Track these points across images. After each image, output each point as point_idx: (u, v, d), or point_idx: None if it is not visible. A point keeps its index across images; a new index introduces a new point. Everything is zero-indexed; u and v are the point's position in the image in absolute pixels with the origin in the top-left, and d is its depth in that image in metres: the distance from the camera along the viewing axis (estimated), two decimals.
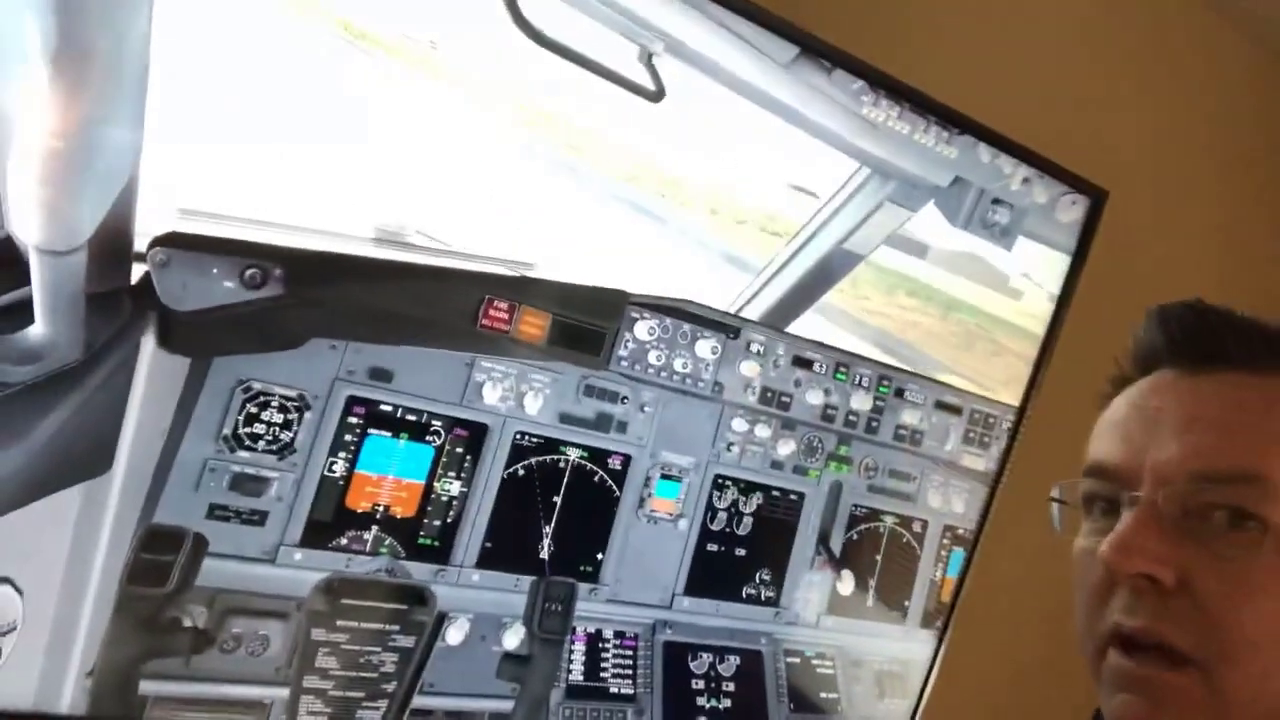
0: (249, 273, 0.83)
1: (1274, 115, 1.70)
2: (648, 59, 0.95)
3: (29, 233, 0.74)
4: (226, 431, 0.85)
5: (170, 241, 0.80)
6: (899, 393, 1.20)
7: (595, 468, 1.03)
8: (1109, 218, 1.25)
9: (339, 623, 0.92)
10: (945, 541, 1.28)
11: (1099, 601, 0.54)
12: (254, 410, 0.86)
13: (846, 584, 1.21)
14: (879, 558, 1.23)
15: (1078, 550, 0.58)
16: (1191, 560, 0.50)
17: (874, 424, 1.19)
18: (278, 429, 0.87)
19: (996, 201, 1.18)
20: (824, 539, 1.19)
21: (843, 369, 1.15)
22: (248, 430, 0.86)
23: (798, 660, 1.19)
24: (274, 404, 0.87)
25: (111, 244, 0.77)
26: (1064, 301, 1.25)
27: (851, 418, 1.17)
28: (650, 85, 0.96)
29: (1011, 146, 1.16)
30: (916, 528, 1.26)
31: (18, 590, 0.79)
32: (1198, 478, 0.51)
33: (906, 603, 1.27)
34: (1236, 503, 0.50)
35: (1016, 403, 1.27)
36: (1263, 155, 1.70)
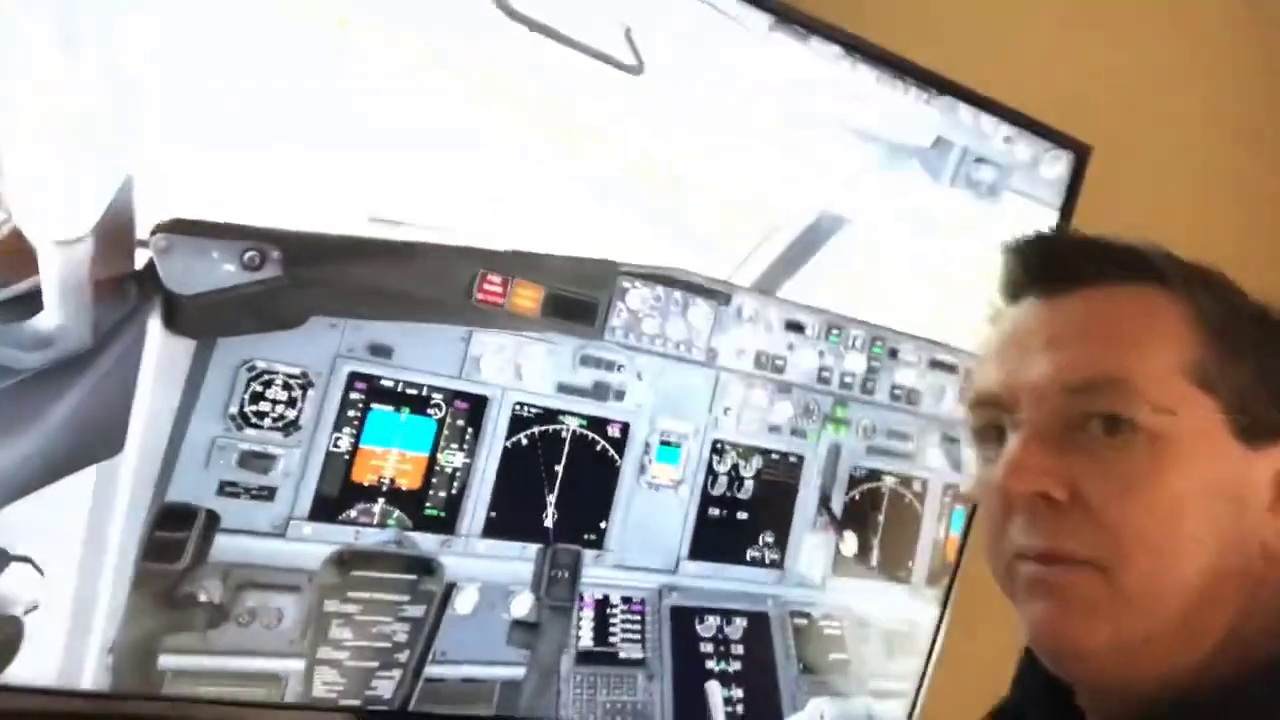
0: (248, 255, 0.86)
1: (1255, 63, 1.71)
2: (626, 32, 0.97)
3: (35, 223, 0.77)
4: (233, 410, 0.88)
5: (171, 228, 0.83)
6: (893, 353, 1.21)
7: (595, 436, 1.05)
8: (1093, 172, 1.26)
9: (350, 594, 0.94)
10: (946, 500, 1.29)
11: (1001, 525, 0.56)
12: (259, 389, 0.88)
13: (849, 545, 1.23)
14: (881, 518, 1.25)
15: (978, 482, 0.60)
16: (1078, 471, 0.53)
17: (869, 385, 1.21)
18: (283, 406, 0.90)
19: (980, 160, 1.20)
20: (825, 501, 1.21)
21: (835, 331, 1.17)
22: (253, 409, 0.88)
23: (805, 621, 1.21)
24: (278, 382, 0.89)
25: (115, 232, 0.80)
26: None
27: (847, 379, 1.19)
28: (630, 59, 0.98)
29: (990, 105, 1.18)
30: (917, 487, 1.27)
31: (38, 570, 0.81)
32: (1069, 390, 0.54)
33: (911, 562, 1.28)
34: (1106, 409, 0.52)
35: None
36: (1244, 102, 1.71)
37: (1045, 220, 1.25)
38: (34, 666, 0.82)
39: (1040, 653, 0.56)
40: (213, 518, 0.88)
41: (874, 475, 1.24)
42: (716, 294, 1.09)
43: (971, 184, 1.19)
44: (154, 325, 0.84)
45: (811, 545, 1.21)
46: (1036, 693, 0.65)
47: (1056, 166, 1.25)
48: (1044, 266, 0.60)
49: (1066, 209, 1.26)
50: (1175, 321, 0.55)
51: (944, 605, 1.31)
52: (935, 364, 1.25)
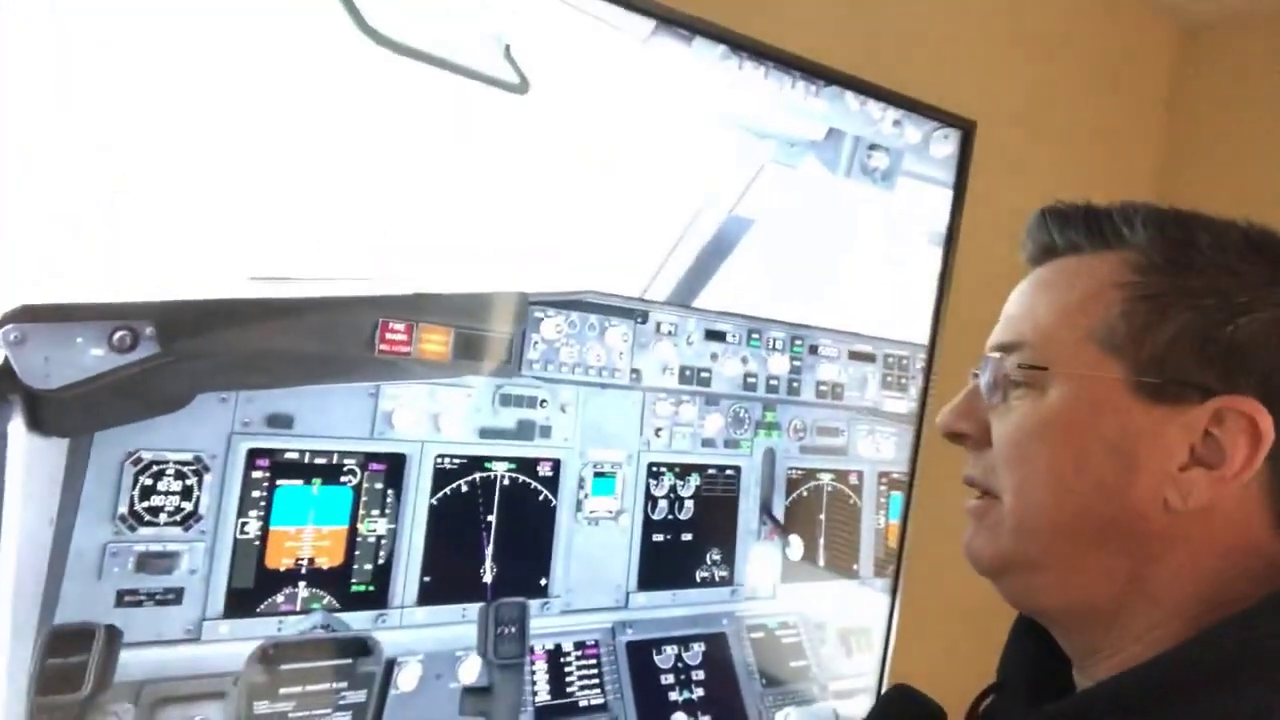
0: (117, 335, 0.77)
1: (1130, 26, 1.78)
2: (505, 50, 0.92)
3: None
4: (122, 510, 0.78)
5: (23, 316, 0.73)
6: (813, 349, 1.20)
7: (526, 478, 0.99)
8: (981, 147, 1.28)
9: (282, 691, 0.86)
10: (883, 487, 1.29)
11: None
12: (148, 482, 0.79)
13: (796, 548, 1.20)
14: (822, 516, 1.23)
15: None
16: (992, 417, 0.61)
17: (795, 384, 1.19)
18: (178, 498, 0.81)
19: (873, 147, 1.19)
20: (766, 507, 1.18)
21: (755, 335, 1.14)
22: (145, 505, 0.79)
23: (762, 634, 1.18)
24: (169, 472, 0.80)
25: None
26: (953, 231, 1.27)
27: (772, 382, 1.17)
28: (513, 78, 0.93)
29: (875, 91, 1.18)
30: (853, 479, 1.26)
31: None
32: (994, 351, 0.62)
33: (856, 555, 1.27)
34: (1006, 370, 0.60)
35: (925, 340, 1.28)
36: (1121, 62, 1.78)
37: (940, 199, 1.26)
38: None
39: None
40: (114, 633, 0.78)
41: (811, 474, 1.22)
42: (632, 312, 1.05)
43: (867, 171, 1.19)
44: (16, 428, 0.74)
45: (759, 555, 1.18)
46: (1023, 660, 0.68)
47: (945, 145, 1.25)
48: (1031, 239, 0.64)
49: (959, 186, 1.27)
50: (1101, 290, 0.57)
51: (894, 593, 1.30)
52: (854, 355, 1.23)
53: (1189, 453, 0.54)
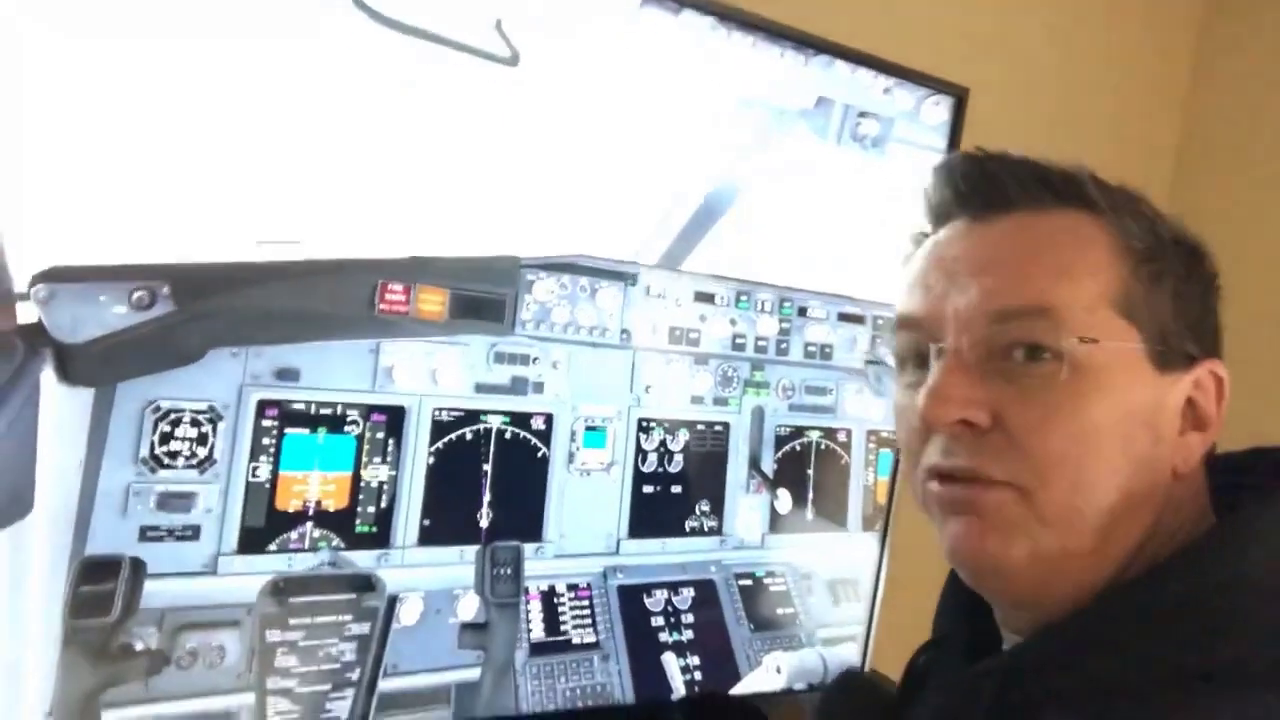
0: (136, 295, 0.84)
1: None
2: (497, 24, 0.97)
3: None
4: (144, 454, 0.86)
5: (52, 276, 0.80)
6: (801, 311, 1.24)
7: (519, 431, 1.06)
8: (973, 114, 1.30)
9: (292, 621, 0.94)
10: (871, 445, 1.33)
11: (919, 447, 0.58)
12: (167, 429, 0.87)
13: (784, 502, 1.26)
14: (810, 471, 1.28)
15: (897, 406, 0.61)
16: (1000, 398, 0.54)
17: (783, 345, 1.23)
18: (194, 443, 0.88)
19: (863, 114, 1.22)
20: (755, 463, 1.23)
21: (744, 297, 1.19)
22: (165, 449, 0.87)
23: (750, 582, 1.24)
24: (186, 419, 0.88)
25: None
26: None
27: (761, 343, 1.22)
28: (505, 51, 0.98)
29: (867, 59, 1.20)
30: (842, 437, 1.31)
31: None
32: (995, 318, 0.54)
33: (844, 509, 1.32)
34: (1030, 338, 0.53)
35: None
36: (1117, 30, 1.77)
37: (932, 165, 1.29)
38: None
39: (960, 568, 0.58)
40: (138, 565, 0.86)
41: (799, 432, 1.27)
42: (623, 275, 1.10)
43: (857, 139, 1.22)
44: (47, 379, 0.81)
45: (747, 508, 1.23)
46: (957, 615, 0.67)
47: (937, 111, 1.28)
48: (973, 188, 0.59)
49: (951, 152, 1.29)
50: (1103, 250, 0.55)
51: (881, 547, 1.35)
52: (843, 317, 1.28)
53: (1180, 417, 0.56)
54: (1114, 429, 0.53)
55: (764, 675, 1.24)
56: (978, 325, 0.55)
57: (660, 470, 1.16)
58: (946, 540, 0.57)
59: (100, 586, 0.85)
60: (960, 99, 1.29)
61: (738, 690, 1.22)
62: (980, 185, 0.58)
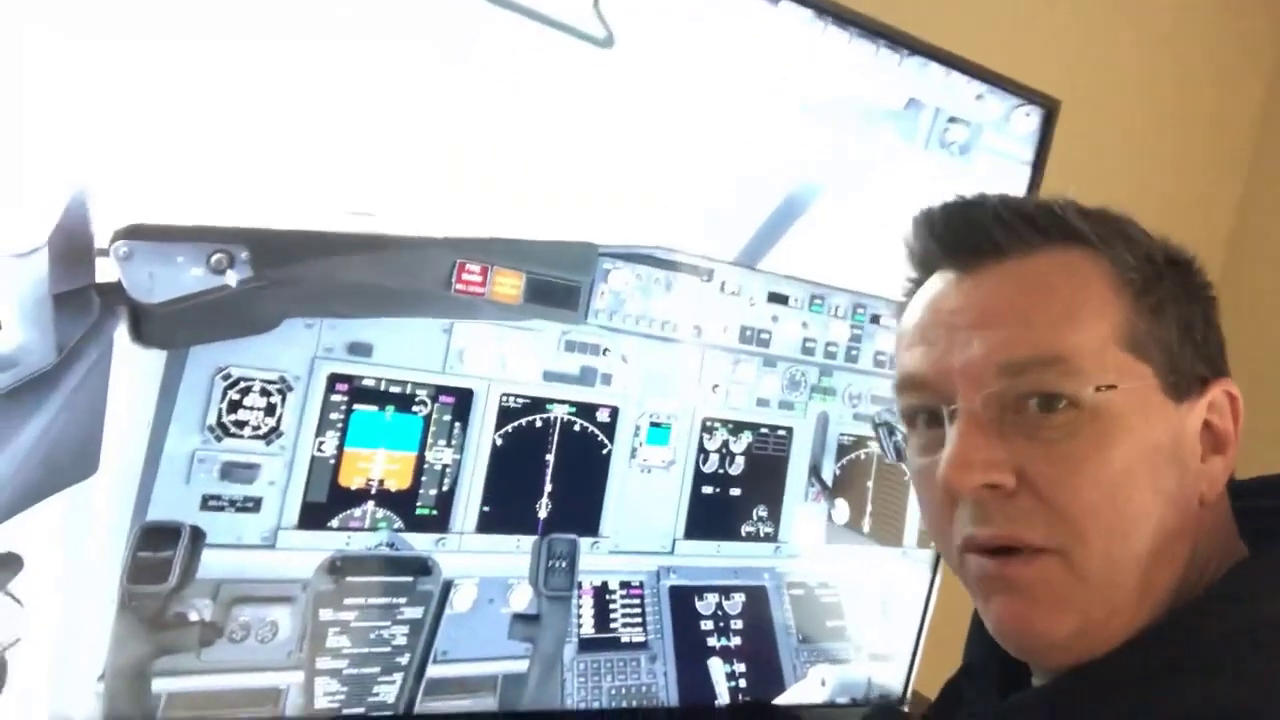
0: (215, 257, 0.82)
1: (1222, 10, 1.72)
2: (594, 4, 0.94)
3: None
4: (211, 421, 0.84)
5: (132, 234, 0.78)
6: (874, 319, 1.21)
7: (584, 422, 1.03)
8: (1063, 127, 1.26)
9: (346, 601, 0.92)
10: None
11: (947, 514, 0.55)
12: (236, 397, 0.85)
13: (841, 512, 1.23)
14: (870, 484, 1.25)
15: (915, 469, 0.59)
16: (1022, 455, 0.51)
17: (853, 352, 1.20)
18: (262, 413, 0.86)
19: (953, 120, 1.19)
20: (815, 470, 1.20)
21: (818, 300, 1.16)
22: (232, 418, 0.85)
23: (801, 592, 1.21)
24: (255, 389, 0.86)
25: (72, 241, 0.76)
26: None
27: (831, 348, 1.19)
28: (600, 32, 0.95)
29: (962, 64, 1.17)
30: None
31: (17, 601, 0.78)
32: (1005, 371, 0.52)
33: (902, 525, 1.29)
34: (1044, 388, 0.51)
35: None
36: (1211, 48, 1.72)
37: (1018, 176, 1.25)
38: (21, 705, 0.78)
39: (1006, 645, 0.55)
40: (198, 534, 0.85)
41: (861, 442, 1.24)
42: (698, 270, 1.07)
43: (945, 145, 1.18)
44: (121, 337, 0.80)
45: (804, 516, 1.20)
46: (986, 647, 0.64)
47: (1027, 122, 1.24)
48: (958, 239, 0.57)
49: (1038, 164, 1.26)
50: (1102, 287, 0.54)
51: (935, 566, 1.32)
52: None
53: (1199, 443, 0.54)
54: (1142, 470, 0.51)
55: (807, 687, 1.22)
56: (988, 380, 0.52)
57: (720, 472, 1.13)
58: (991, 619, 0.55)
59: (159, 553, 0.83)
60: (1051, 111, 1.25)
61: (780, 700, 1.19)
62: (965, 235, 0.57)
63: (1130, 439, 0.51)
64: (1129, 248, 0.55)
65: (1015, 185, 1.25)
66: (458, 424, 0.96)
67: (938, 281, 0.58)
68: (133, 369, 0.81)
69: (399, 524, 0.94)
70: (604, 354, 1.03)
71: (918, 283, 0.62)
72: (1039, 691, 0.57)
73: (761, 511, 1.17)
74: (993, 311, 0.54)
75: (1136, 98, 1.60)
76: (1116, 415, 0.51)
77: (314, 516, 0.89)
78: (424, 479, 0.94)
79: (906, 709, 1.30)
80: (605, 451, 1.05)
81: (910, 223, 0.61)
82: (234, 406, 0.85)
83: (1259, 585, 0.51)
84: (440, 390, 0.94)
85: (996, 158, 1.23)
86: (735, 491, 1.15)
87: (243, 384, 0.85)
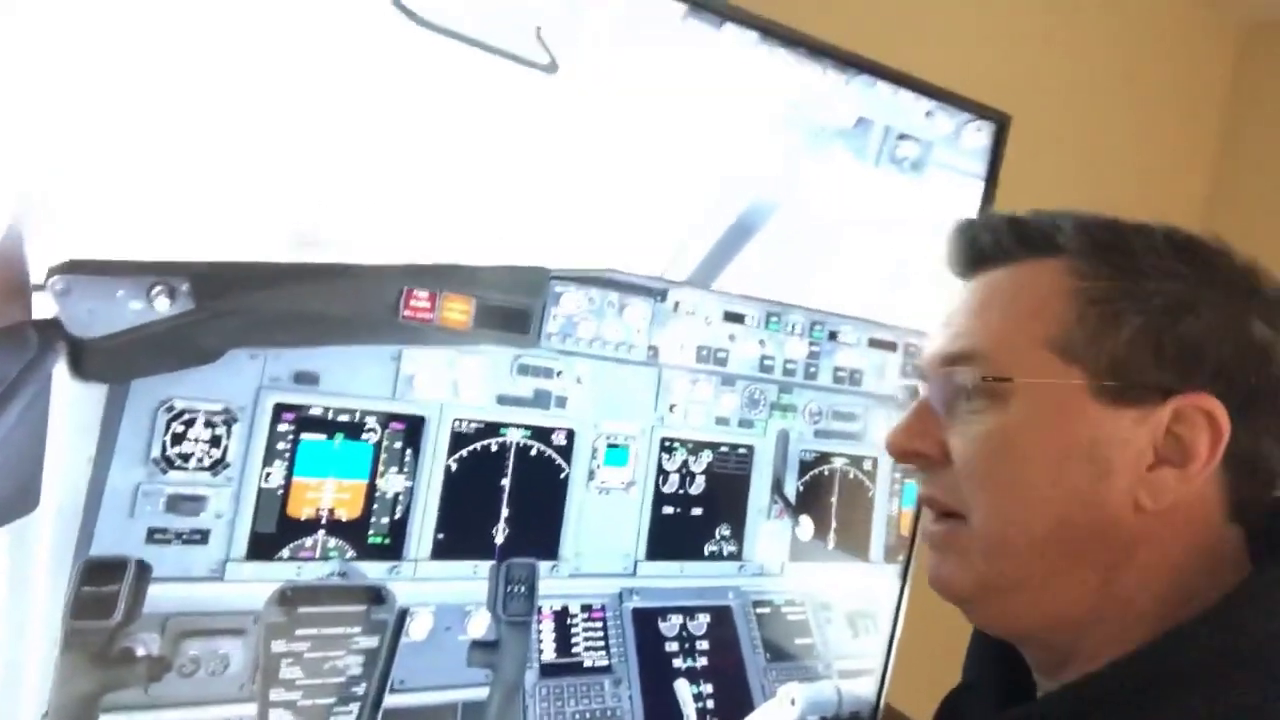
0: (155, 291, 0.82)
1: (1169, 25, 1.74)
2: (537, 31, 0.95)
3: None
4: (155, 454, 0.84)
5: (69, 269, 0.78)
6: (832, 335, 1.21)
7: (540, 445, 1.03)
8: (1015, 141, 1.27)
9: (298, 631, 0.91)
10: (897, 475, 1.30)
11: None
12: (180, 429, 0.85)
13: (806, 529, 1.23)
14: (834, 499, 1.25)
15: None
16: (949, 433, 0.59)
17: (812, 369, 1.21)
18: (207, 445, 0.86)
19: (903, 136, 1.20)
20: (778, 488, 1.20)
21: (774, 318, 1.16)
22: (177, 450, 0.85)
23: (768, 610, 1.21)
24: (200, 420, 0.85)
25: (5, 277, 0.75)
26: None
27: (789, 365, 1.19)
28: (544, 58, 0.96)
29: (910, 81, 1.18)
30: (867, 465, 1.27)
31: None
32: (940, 363, 0.60)
33: (867, 540, 1.28)
34: (961, 381, 0.59)
35: None
36: (1159, 61, 1.74)
37: (970, 191, 1.26)
38: None
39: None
40: (144, 568, 0.84)
41: (824, 458, 1.24)
42: (651, 291, 1.08)
43: (896, 161, 1.19)
44: (60, 373, 0.79)
45: (768, 534, 1.20)
46: (986, 665, 0.68)
47: (978, 137, 1.25)
48: (958, 253, 0.64)
49: (990, 179, 1.27)
50: (1050, 296, 0.57)
51: (904, 580, 1.31)
52: (875, 343, 1.25)
53: (1154, 453, 0.55)
54: (1040, 462, 0.56)
55: (777, 706, 1.21)
56: (934, 369, 0.61)
57: (681, 492, 1.13)
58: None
59: (104, 588, 0.82)
60: (1002, 125, 1.26)
61: None
62: (961, 249, 0.64)
63: (1032, 429, 0.56)
64: (1110, 257, 0.57)
65: (969, 201, 1.26)
66: (409, 451, 0.95)
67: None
68: (73, 403, 0.80)
69: (351, 553, 0.93)
70: (558, 376, 1.03)
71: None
72: (1039, 703, 0.60)
73: (724, 530, 1.17)
74: (954, 313, 0.61)
75: (1091, 110, 1.62)
76: (1021, 406, 0.56)
77: (263, 547, 0.89)
78: (375, 507, 0.94)
79: None
80: (563, 475, 1.05)
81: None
82: (178, 439, 0.85)
83: (1258, 604, 0.52)
84: (390, 417, 0.94)
85: (949, 173, 1.24)
86: (697, 511, 1.14)
87: (187, 416, 0.85)
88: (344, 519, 0.92)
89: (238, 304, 0.85)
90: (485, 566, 1.01)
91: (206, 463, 0.86)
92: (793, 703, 1.22)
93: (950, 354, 0.60)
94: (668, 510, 1.12)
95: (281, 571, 0.90)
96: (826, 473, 1.24)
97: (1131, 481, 0.55)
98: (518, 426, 1.02)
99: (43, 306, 0.78)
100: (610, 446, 1.08)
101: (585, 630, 1.08)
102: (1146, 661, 0.52)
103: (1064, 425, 0.55)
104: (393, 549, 0.95)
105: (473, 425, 0.99)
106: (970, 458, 0.58)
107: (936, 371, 0.61)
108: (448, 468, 0.98)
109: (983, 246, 0.62)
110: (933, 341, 0.62)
